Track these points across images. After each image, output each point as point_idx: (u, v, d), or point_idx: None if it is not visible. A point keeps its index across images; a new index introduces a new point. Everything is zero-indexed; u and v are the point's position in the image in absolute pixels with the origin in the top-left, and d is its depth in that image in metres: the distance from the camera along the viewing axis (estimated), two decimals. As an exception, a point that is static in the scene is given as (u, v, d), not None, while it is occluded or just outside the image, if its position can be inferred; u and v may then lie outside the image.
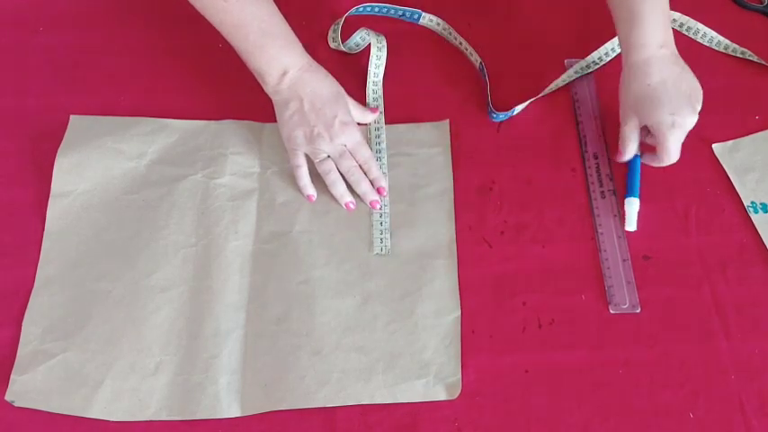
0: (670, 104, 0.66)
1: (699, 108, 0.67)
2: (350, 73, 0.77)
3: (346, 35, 0.79)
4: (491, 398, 0.61)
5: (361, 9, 0.82)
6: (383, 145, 0.73)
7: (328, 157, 0.69)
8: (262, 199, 0.70)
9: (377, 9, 0.82)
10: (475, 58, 0.78)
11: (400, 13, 0.82)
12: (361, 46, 0.79)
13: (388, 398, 0.61)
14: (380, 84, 0.77)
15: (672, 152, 0.66)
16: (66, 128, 0.73)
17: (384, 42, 0.77)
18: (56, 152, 0.71)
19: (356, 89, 0.75)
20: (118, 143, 0.72)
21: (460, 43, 0.80)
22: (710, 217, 0.70)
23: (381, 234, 0.68)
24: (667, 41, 0.68)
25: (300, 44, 0.69)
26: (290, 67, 0.68)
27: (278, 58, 0.67)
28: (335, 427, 0.60)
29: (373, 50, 0.77)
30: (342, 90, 0.71)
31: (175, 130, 0.74)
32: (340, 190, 0.69)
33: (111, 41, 0.80)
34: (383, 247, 0.68)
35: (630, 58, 0.68)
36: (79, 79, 0.78)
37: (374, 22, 0.81)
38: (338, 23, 0.79)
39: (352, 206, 0.69)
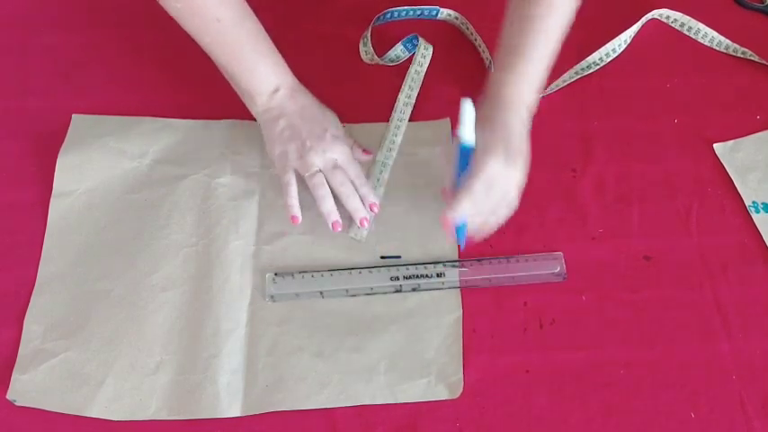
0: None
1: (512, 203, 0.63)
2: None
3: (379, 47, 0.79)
4: (492, 398, 0.61)
5: (381, 18, 0.81)
6: (395, 146, 0.73)
7: (320, 170, 0.67)
8: (263, 199, 0.70)
9: (396, 14, 0.81)
10: (486, 56, 0.78)
11: (419, 12, 0.82)
12: (402, 58, 0.79)
13: (390, 398, 0.61)
14: (416, 92, 0.76)
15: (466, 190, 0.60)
16: (67, 128, 0.73)
17: (430, 51, 0.78)
18: (58, 152, 0.71)
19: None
20: (120, 143, 0.72)
21: (475, 39, 0.80)
22: (712, 217, 0.69)
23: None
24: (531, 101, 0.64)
25: (286, 64, 0.69)
26: (280, 85, 0.67)
27: (269, 76, 0.67)
28: (336, 427, 0.60)
29: (417, 57, 0.77)
30: (328, 109, 0.71)
31: (177, 129, 0.74)
32: (328, 206, 0.66)
33: (112, 41, 0.80)
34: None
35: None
36: (81, 79, 0.78)
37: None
38: (366, 37, 0.79)
39: (338, 227, 0.66)
